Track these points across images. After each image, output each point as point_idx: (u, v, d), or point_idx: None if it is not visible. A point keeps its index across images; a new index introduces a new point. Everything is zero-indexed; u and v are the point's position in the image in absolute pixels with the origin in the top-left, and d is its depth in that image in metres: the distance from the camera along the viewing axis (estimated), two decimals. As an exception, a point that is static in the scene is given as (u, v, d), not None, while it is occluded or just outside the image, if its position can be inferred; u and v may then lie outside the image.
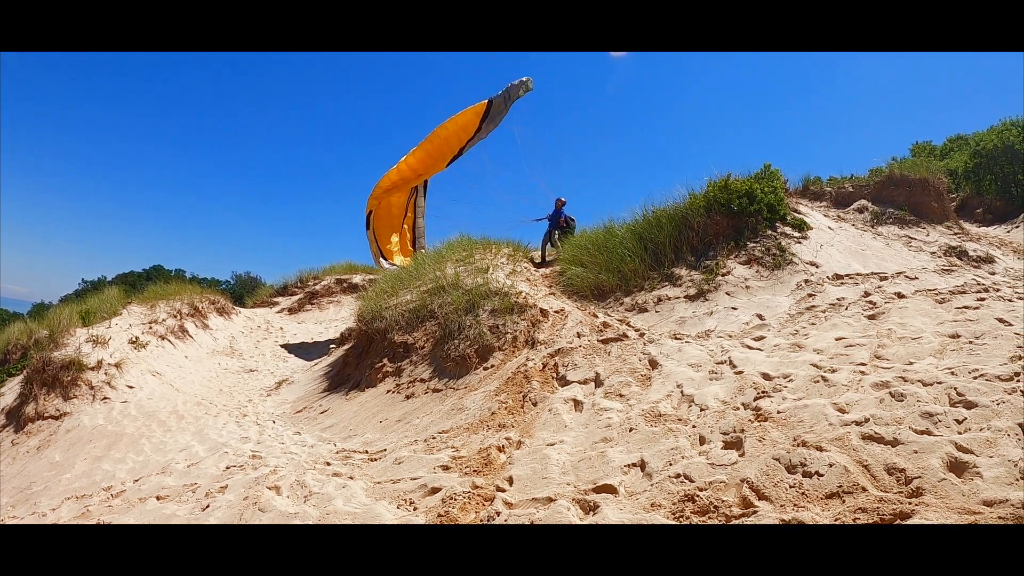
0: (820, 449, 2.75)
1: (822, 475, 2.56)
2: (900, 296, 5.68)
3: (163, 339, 11.91)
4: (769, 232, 7.16)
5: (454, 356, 5.65)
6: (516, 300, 6.34)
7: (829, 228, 7.99)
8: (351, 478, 4.02)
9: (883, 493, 2.40)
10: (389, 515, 3.16)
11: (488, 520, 2.81)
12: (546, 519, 2.69)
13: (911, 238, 8.22)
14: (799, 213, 8.19)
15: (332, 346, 11.26)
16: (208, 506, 4.36)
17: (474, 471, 3.53)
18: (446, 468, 3.63)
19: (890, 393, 3.26)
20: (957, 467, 2.47)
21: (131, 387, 9.06)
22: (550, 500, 2.90)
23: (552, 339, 5.46)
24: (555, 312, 6.12)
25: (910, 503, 2.28)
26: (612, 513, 2.65)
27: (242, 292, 24.85)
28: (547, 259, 10.13)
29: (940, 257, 7.45)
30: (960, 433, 2.75)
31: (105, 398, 8.77)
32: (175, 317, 12.90)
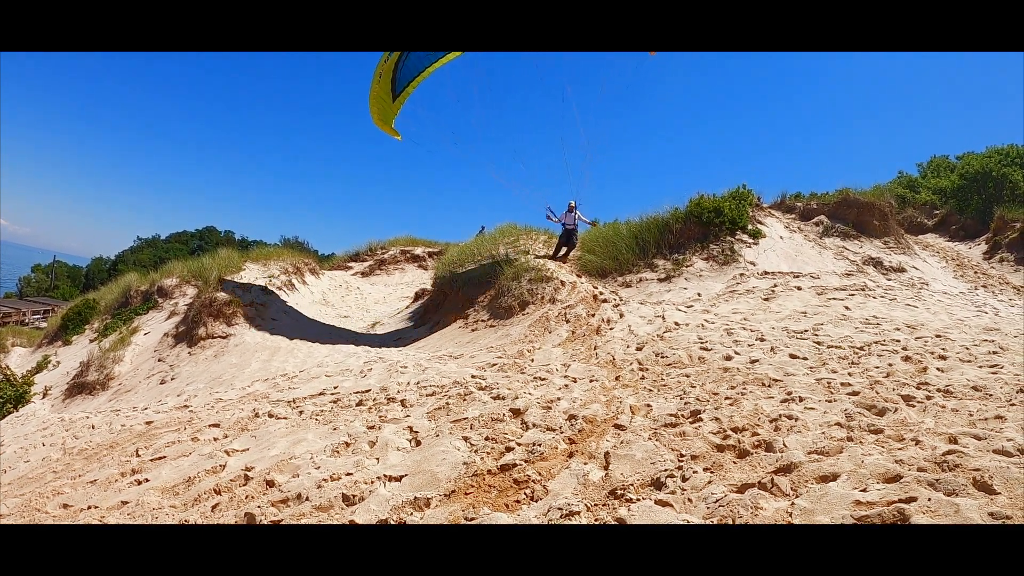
0: (674, 350, 5.98)
1: (668, 358, 5.79)
2: (798, 288, 8.67)
3: (280, 289, 15.78)
4: (728, 238, 10.17)
5: (504, 307, 9.01)
6: (546, 274, 9.61)
7: (781, 237, 10.90)
8: (446, 363, 7.46)
9: (695, 366, 5.61)
10: (474, 371, 6.57)
11: (521, 371, 6.18)
12: (548, 375, 6.03)
13: (845, 248, 11.04)
14: (762, 224, 11.12)
15: (405, 301, 14.88)
16: (365, 376, 7.88)
17: (513, 360, 6.89)
18: (499, 357, 7.02)
19: (727, 332, 6.43)
20: (728, 358, 5.65)
21: (274, 319, 12.89)
22: (550, 371, 6.22)
23: (566, 299, 8.75)
24: (570, 283, 9.38)
25: (704, 369, 5.50)
26: (577, 366, 5.98)
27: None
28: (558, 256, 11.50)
29: (856, 264, 10.29)
30: (740, 352, 5.92)
31: (258, 326, 12.60)
32: (285, 273, 16.79)
